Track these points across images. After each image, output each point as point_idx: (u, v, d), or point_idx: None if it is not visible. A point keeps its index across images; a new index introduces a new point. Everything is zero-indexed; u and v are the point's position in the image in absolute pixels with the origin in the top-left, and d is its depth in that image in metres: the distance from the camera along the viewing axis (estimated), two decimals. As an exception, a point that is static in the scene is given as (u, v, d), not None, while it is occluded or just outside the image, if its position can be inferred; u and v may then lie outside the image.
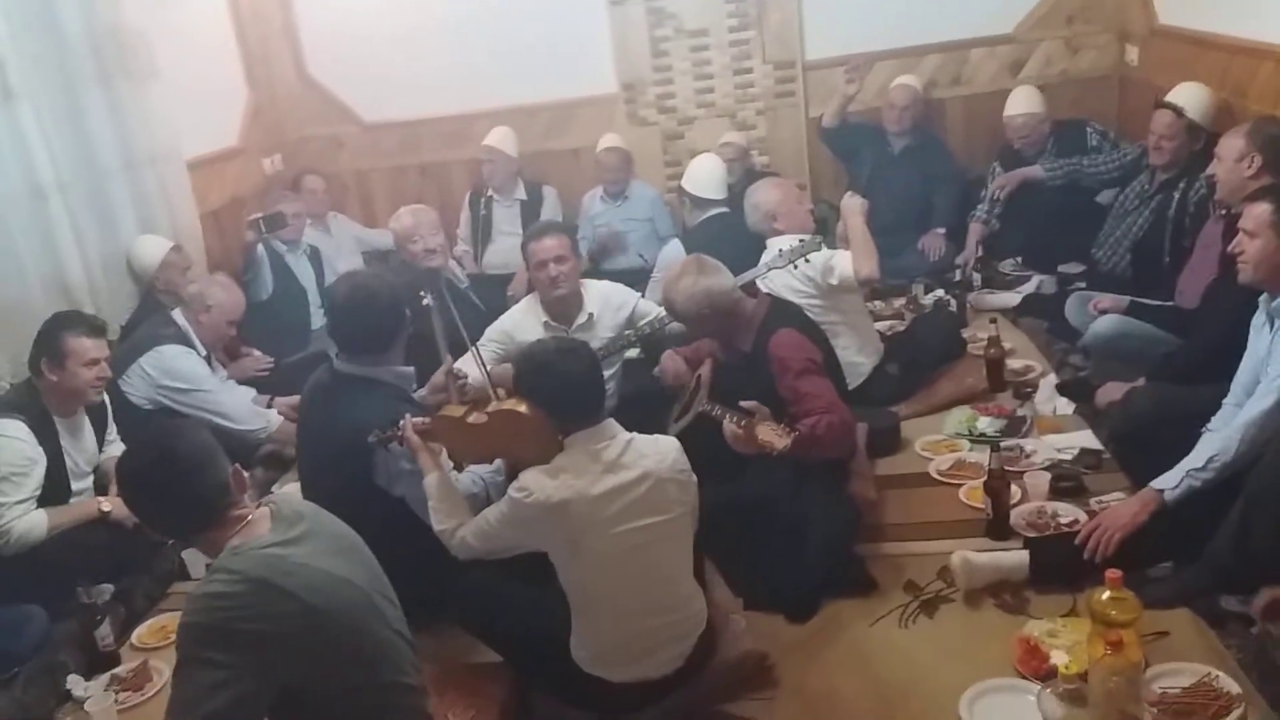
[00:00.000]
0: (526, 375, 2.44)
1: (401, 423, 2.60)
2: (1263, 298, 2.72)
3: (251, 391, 4.10)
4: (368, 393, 2.78)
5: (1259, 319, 2.75)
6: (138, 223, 4.32)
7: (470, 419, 2.49)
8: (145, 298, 4.21)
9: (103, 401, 3.47)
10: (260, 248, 4.68)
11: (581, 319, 3.75)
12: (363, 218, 5.88)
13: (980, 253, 4.91)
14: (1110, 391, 3.39)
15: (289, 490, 3.65)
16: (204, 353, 3.90)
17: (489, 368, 3.67)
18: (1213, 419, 2.81)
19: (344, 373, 2.83)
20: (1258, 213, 2.66)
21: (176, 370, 3.76)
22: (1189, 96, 4.02)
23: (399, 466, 2.69)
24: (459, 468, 2.78)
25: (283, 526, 1.89)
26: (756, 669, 2.53)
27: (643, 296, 3.98)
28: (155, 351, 3.76)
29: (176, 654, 1.81)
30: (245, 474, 2.01)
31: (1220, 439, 2.60)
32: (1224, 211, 3.46)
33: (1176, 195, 3.93)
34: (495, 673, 2.52)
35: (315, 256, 5.06)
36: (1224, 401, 2.81)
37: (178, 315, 3.91)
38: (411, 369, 2.94)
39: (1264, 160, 3.18)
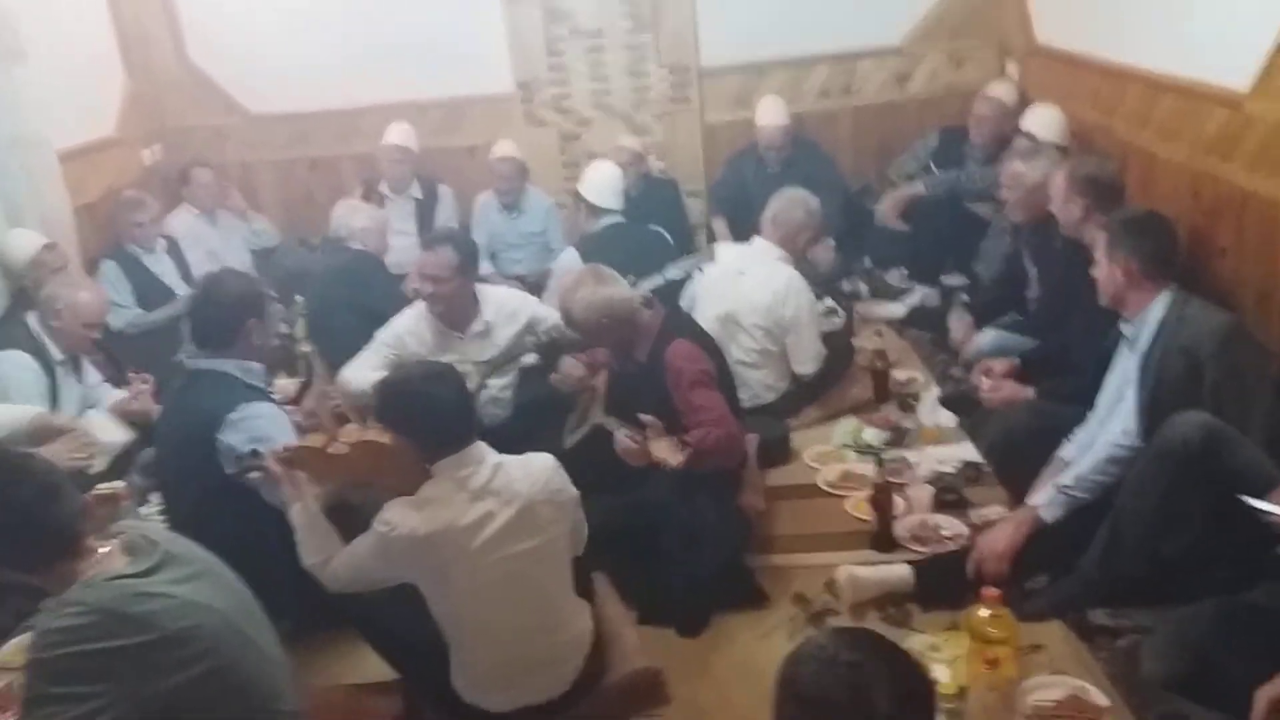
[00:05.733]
0: (389, 404, 2.36)
1: (263, 451, 2.55)
2: (1121, 321, 2.86)
3: (103, 407, 3.74)
4: (215, 384, 2.79)
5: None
6: (3, 213, 4.09)
7: (330, 449, 2.43)
8: (17, 296, 3.98)
9: None
10: (112, 264, 4.55)
11: (478, 326, 3.69)
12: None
13: (866, 263, 5.04)
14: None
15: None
16: (60, 358, 3.61)
17: (380, 374, 3.63)
18: (1074, 430, 2.94)
19: (193, 369, 2.87)
20: (1099, 242, 2.84)
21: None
22: (1039, 121, 4.20)
23: (239, 451, 2.66)
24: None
25: (138, 557, 1.84)
26: (649, 686, 2.54)
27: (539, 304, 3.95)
28: None
29: (23, 693, 1.75)
30: (94, 503, 1.96)
31: (1089, 459, 2.72)
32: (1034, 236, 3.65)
33: (1050, 213, 4.08)
34: (383, 691, 2.47)
35: (174, 249, 4.87)
36: (1088, 414, 2.94)
37: (31, 318, 3.64)
38: (260, 365, 2.92)
39: (1087, 203, 3.28)
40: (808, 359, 3.81)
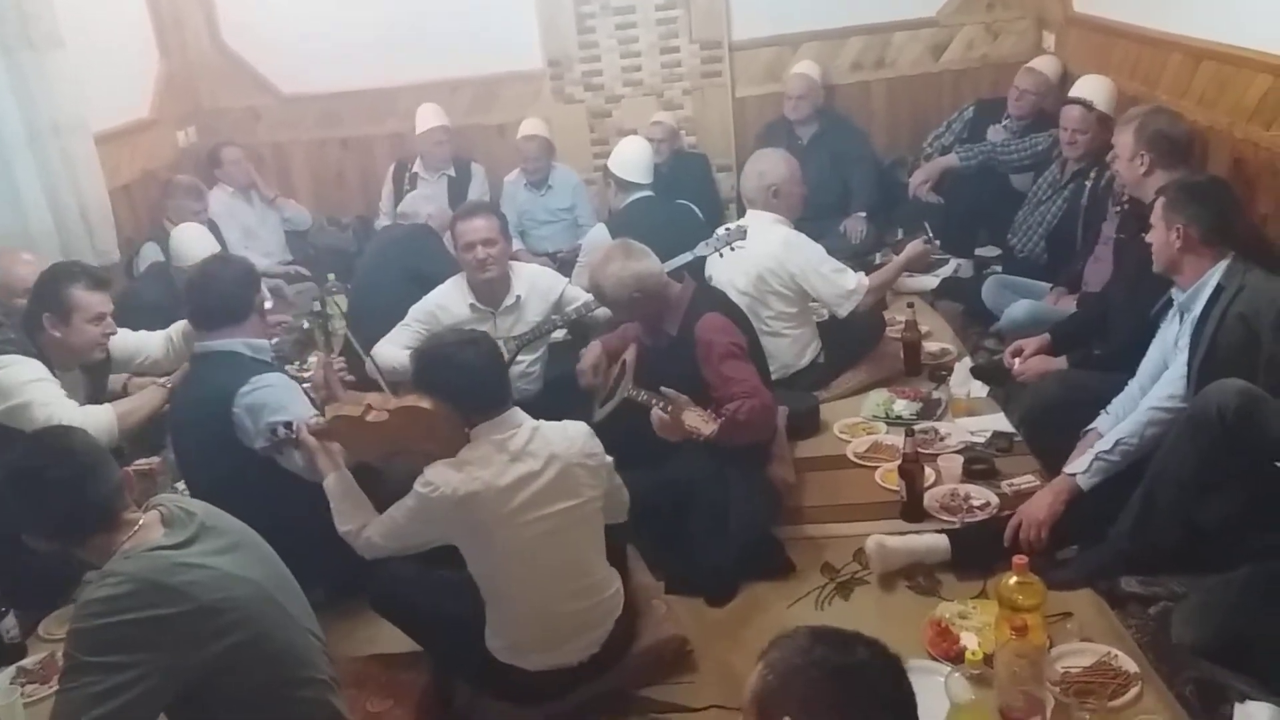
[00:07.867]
0: (426, 370, 2.42)
1: (295, 424, 2.57)
2: (1173, 289, 2.81)
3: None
4: (224, 363, 2.79)
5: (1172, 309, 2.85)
6: (43, 197, 4.16)
7: (369, 417, 2.43)
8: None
9: (105, 358, 3.31)
10: (154, 246, 4.58)
11: (509, 301, 3.72)
12: (280, 191, 5.68)
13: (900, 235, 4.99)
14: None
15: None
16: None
17: (413, 348, 3.65)
18: (1114, 399, 2.90)
19: (200, 352, 2.88)
20: (1155, 206, 2.78)
21: None
22: (1095, 90, 4.12)
23: (261, 423, 2.66)
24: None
25: (175, 529, 1.87)
26: (677, 653, 2.56)
27: (570, 281, 3.96)
28: None
29: (64, 662, 1.79)
30: (133, 477, 1.99)
31: (1128, 423, 2.68)
32: (1118, 207, 3.58)
33: (1088, 184, 4.02)
34: (413, 662, 2.50)
35: (214, 231, 4.90)
36: (1129, 382, 2.90)
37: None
38: (266, 341, 2.95)
39: (1153, 158, 3.23)
40: (839, 298, 3.73)
